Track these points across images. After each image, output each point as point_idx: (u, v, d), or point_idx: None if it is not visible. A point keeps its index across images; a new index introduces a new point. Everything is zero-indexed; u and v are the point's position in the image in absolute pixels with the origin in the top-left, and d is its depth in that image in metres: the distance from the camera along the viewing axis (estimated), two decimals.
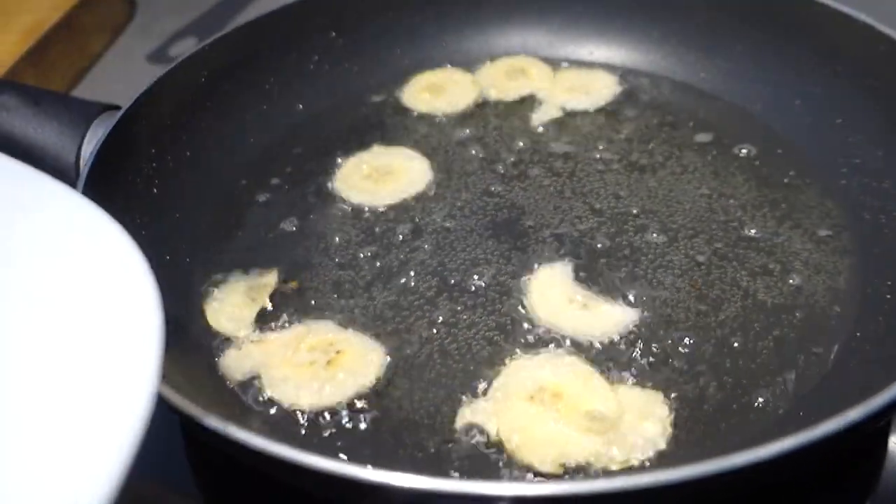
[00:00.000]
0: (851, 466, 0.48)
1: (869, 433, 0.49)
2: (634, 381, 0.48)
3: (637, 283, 0.54)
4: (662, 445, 0.44)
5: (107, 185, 0.56)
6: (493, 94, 0.72)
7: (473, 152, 0.66)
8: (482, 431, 0.45)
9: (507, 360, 0.49)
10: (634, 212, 0.59)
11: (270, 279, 0.56)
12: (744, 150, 0.64)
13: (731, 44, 0.70)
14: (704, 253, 0.56)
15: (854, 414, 0.34)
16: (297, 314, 0.53)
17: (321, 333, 0.51)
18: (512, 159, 0.65)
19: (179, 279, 0.56)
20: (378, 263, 0.57)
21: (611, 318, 0.51)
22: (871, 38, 0.61)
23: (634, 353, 0.49)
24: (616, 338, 0.50)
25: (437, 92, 0.72)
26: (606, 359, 0.49)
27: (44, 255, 0.36)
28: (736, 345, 0.50)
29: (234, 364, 0.50)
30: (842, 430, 0.33)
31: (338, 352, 0.49)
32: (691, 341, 0.50)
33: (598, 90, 0.71)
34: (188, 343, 0.51)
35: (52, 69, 0.87)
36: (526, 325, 0.51)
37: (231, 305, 0.54)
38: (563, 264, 0.55)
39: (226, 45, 0.68)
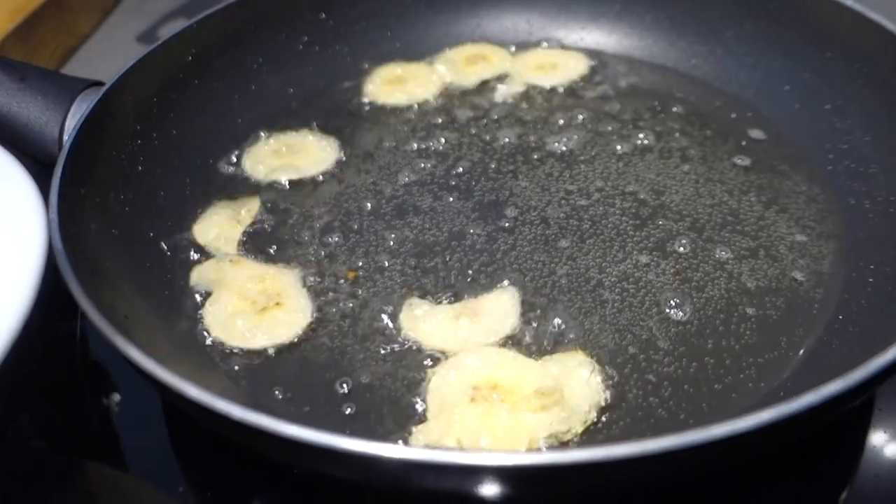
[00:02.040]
0: (829, 456, 0.48)
1: (848, 417, 0.49)
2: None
3: (619, 265, 0.54)
4: (603, 402, 0.45)
5: (90, 160, 0.55)
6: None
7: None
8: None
9: (426, 374, 0.48)
10: (621, 194, 0.59)
11: (254, 205, 0.60)
12: (732, 134, 0.64)
13: (721, 30, 0.70)
14: (689, 236, 0.56)
15: (833, 387, 0.34)
16: (277, 253, 0.56)
17: (274, 281, 0.53)
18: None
19: (161, 255, 0.56)
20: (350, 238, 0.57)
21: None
22: (861, 25, 0.61)
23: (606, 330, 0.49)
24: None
25: (399, 83, 0.71)
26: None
27: None
28: (720, 326, 0.50)
29: (200, 274, 0.54)
30: (821, 403, 0.33)
31: (277, 304, 0.51)
32: (676, 322, 0.50)
33: (579, 73, 0.72)
34: (165, 307, 0.51)
35: (40, 47, 0.86)
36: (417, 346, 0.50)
37: (217, 225, 0.58)
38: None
39: (214, 23, 0.67)
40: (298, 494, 0.48)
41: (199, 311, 0.52)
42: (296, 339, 0.50)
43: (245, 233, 0.58)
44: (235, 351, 0.50)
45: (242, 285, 0.52)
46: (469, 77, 0.72)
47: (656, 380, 0.47)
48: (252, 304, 0.51)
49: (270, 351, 0.50)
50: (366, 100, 0.70)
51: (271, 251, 0.57)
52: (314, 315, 0.52)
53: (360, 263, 0.55)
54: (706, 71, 0.71)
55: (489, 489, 0.36)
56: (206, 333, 0.50)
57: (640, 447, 0.32)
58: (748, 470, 0.46)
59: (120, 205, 0.57)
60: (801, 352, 0.48)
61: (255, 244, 0.57)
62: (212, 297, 0.52)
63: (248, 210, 0.60)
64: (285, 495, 0.48)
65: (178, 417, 0.52)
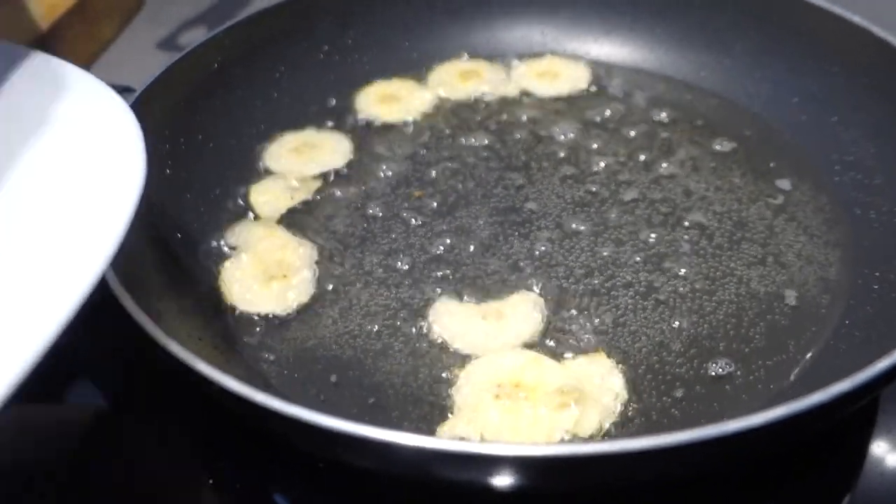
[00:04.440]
0: (832, 461, 0.50)
1: (851, 422, 0.51)
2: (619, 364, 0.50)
3: (632, 271, 0.56)
4: (623, 399, 0.47)
5: None
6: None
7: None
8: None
9: (455, 370, 0.50)
10: (633, 202, 0.61)
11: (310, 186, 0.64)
12: (741, 145, 0.66)
13: (730, 42, 0.72)
14: (700, 243, 0.57)
15: (840, 387, 0.35)
16: (309, 231, 0.60)
17: (291, 253, 0.57)
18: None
19: (190, 255, 0.58)
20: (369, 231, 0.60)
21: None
22: (866, 40, 0.63)
23: (623, 334, 0.51)
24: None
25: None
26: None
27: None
28: (730, 330, 0.51)
29: (234, 231, 0.59)
30: (829, 401, 0.35)
31: (284, 276, 0.56)
32: (687, 326, 0.52)
33: (586, 83, 0.74)
34: (191, 305, 0.54)
35: (64, 54, 0.88)
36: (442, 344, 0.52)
37: (271, 191, 0.64)
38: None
39: (238, 33, 0.69)
40: (321, 486, 0.50)
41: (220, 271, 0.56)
42: (290, 315, 0.54)
43: (291, 209, 0.62)
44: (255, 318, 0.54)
45: (263, 251, 0.57)
46: (468, 89, 0.73)
47: (669, 380, 0.49)
48: (264, 270, 0.56)
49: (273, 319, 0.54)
50: (365, 113, 0.72)
51: (302, 227, 0.61)
52: (329, 302, 0.55)
53: (385, 260, 0.58)
54: (714, 82, 0.73)
55: (507, 480, 0.37)
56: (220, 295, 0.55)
57: (655, 441, 0.34)
58: (752, 474, 0.48)
59: (149, 207, 0.58)
60: (809, 355, 0.50)
61: (294, 220, 0.61)
62: (234, 255, 0.57)
63: (303, 190, 0.64)
64: (307, 486, 0.50)
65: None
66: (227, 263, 0.57)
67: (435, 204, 0.62)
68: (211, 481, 0.50)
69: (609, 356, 0.50)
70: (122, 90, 0.64)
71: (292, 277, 0.56)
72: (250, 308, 0.54)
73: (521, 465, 0.36)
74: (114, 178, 0.41)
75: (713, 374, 0.49)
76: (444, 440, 0.36)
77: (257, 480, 0.50)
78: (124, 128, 0.45)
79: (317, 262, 0.58)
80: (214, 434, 0.53)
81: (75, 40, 0.89)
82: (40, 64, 0.53)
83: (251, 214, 0.62)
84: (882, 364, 0.37)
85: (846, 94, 0.65)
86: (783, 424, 0.34)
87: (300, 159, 0.66)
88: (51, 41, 0.85)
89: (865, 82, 0.63)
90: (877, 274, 0.53)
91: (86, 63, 0.90)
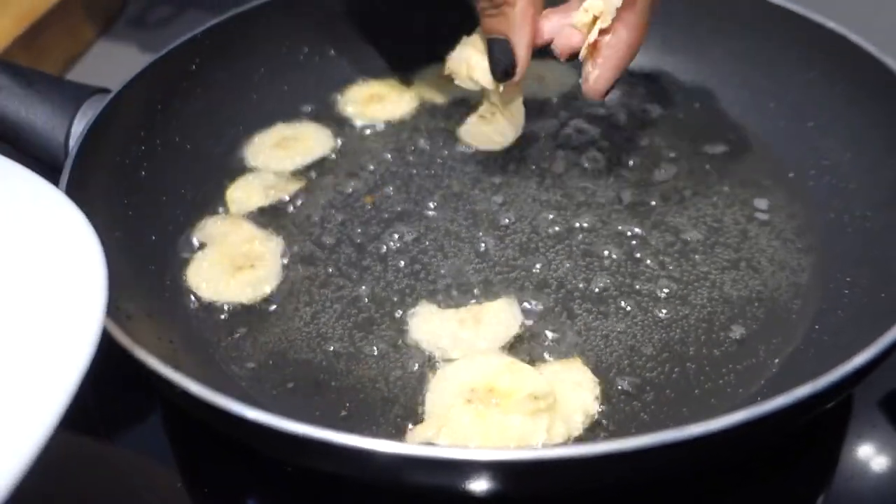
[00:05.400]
0: (804, 465, 0.50)
1: (826, 421, 0.51)
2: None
3: (606, 275, 0.56)
4: (594, 411, 0.47)
5: (95, 164, 0.57)
6: None
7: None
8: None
9: (429, 374, 0.50)
10: (608, 204, 0.61)
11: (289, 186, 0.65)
12: (719, 149, 0.66)
13: (710, 47, 0.72)
14: (674, 247, 0.58)
15: (805, 390, 0.36)
16: (282, 231, 0.61)
17: (259, 244, 0.59)
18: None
19: (162, 258, 0.58)
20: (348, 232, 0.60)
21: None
22: (843, 47, 0.63)
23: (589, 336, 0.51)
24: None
25: None
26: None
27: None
28: (702, 335, 0.52)
29: (202, 227, 0.60)
30: (790, 405, 0.35)
31: (251, 266, 0.57)
32: (659, 330, 0.52)
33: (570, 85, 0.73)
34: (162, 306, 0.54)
35: (45, 54, 0.88)
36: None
37: (248, 188, 0.64)
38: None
39: (217, 33, 0.69)
40: (292, 492, 0.50)
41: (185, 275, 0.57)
42: (255, 304, 0.55)
43: (265, 207, 0.63)
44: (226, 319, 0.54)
45: (231, 242, 0.58)
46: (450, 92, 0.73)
47: (640, 384, 0.49)
48: (230, 260, 0.57)
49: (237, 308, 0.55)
50: (345, 114, 0.72)
51: (275, 226, 0.61)
52: (300, 298, 0.56)
53: (360, 262, 0.58)
54: (693, 87, 0.73)
55: (474, 484, 0.37)
56: (189, 289, 0.56)
57: (618, 445, 0.34)
58: (727, 472, 0.48)
59: (123, 208, 0.58)
60: (778, 360, 0.50)
61: (267, 219, 0.62)
62: (203, 250, 0.59)
63: (279, 188, 0.64)
64: (279, 494, 0.50)
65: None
66: (195, 257, 0.58)
67: (413, 208, 0.62)
68: (180, 485, 0.50)
69: (583, 361, 0.50)
70: (98, 91, 0.64)
71: (260, 268, 0.57)
72: (218, 298, 0.55)
73: (486, 469, 0.36)
74: (74, 305, 0.39)
75: (683, 378, 0.49)
76: (406, 445, 0.36)
77: (229, 485, 0.50)
78: (84, 248, 0.42)
79: (287, 262, 0.58)
80: (186, 439, 0.53)
81: (54, 42, 0.89)
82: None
83: (222, 211, 0.63)
84: (844, 369, 0.37)
85: (823, 100, 0.65)
86: (745, 428, 0.34)
87: (279, 154, 0.67)
88: (29, 43, 0.84)
89: (842, 89, 0.64)
90: (848, 279, 0.53)
91: (66, 64, 0.90)
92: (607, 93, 0.56)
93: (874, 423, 0.51)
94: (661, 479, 0.45)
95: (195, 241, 0.59)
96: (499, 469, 0.36)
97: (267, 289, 0.56)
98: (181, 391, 0.38)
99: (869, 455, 0.50)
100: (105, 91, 0.63)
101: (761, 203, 0.61)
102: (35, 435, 0.33)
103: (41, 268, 0.42)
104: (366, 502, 0.47)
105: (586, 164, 0.65)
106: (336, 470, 0.41)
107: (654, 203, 0.61)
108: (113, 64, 0.90)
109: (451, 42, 0.62)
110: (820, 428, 0.51)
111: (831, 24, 0.64)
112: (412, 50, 0.75)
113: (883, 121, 0.59)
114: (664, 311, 0.53)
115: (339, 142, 0.69)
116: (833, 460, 0.50)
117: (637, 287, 0.55)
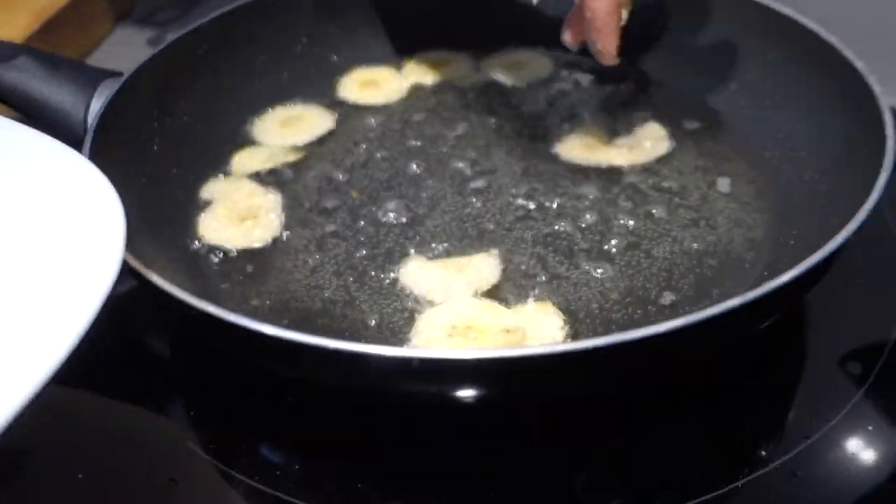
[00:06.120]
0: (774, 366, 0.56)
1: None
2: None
3: (577, 228, 0.62)
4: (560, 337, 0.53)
5: (111, 139, 0.63)
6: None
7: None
8: None
9: (416, 316, 0.56)
10: (582, 170, 0.68)
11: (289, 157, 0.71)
12: (686, 126, 0.72)
13: (677, 33, 0.78)
14: (641, 206, 0.64)
15: (732, 303, 0.42)
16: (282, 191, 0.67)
17: (259, 199, 0.66)
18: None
19: (173, 215, 0.64)
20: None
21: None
22: (798, 32, 0.69)
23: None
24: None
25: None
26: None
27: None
28: (662, 282, 0.57)
29: (209, 188, 0.67)
30: (720, 314, 0.41)
31: (254, 217, 0.64)
32: (624, 278, 0.58)
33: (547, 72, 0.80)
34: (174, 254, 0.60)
35: (60, 48, 0.94)
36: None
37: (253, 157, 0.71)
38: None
39: (221, 23, 0.75)
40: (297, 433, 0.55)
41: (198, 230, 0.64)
42: (257, 253, 0.61)
43: (267, 170, 0.69)
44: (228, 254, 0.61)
45: (236, 199, 0.65)
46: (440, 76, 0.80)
47: (606, 324, 0.55)
48: (234, 213, 0.64)
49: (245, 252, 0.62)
50: (344, 96, 0.78)
51: (276, 186, 0.68)
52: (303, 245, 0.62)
53: (355, 222, 0.64)
54: (660, 70, 0.78)
55: (463, 386, 0.43)
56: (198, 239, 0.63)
57: (576, 345, 0.40)
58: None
59: (138, 176, 0.64)
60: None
61: (268, 179, 0.69)
62: (210, 205, 0.65)
63: (280, 155, 0.71)
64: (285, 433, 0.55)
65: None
66: (203, 212, 0.65)
67: (404, 177, 0.68)
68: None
69: (553, 304, 0.56)
70: (113, 74, 0.70)
71: (262, 219, 0.64)
72: (224, 244, 0.62)
73: (471, 368, 0.42)
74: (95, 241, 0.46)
75: (645, 320, 0.55)
76: (406, 349, 0.42)
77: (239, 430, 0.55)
78: (101, 194, 0.49)
79: (286, 220, 0.64)
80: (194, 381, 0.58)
81: (67, 38, 0.95)
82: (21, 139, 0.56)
83: (228, 173, 0.70)
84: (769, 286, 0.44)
85: (778, 80, 0.71)
86: (683, 332, 0.40)
87: (282, 131, 0.73)
88: (44, 37, 0.90)
89: (794, 69, 0.69)
90: (794, 233, 0.59)
91: (80, 56, 0.96)
92: (619, 53, 0.62)
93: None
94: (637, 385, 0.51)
95: (203, 199, 0.66)
96: (482, 367, 0.41)
97: (269, 237, 0.63)
98: (200, 313, 0.44)
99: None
100: (119, 75, 0.69)
101: (721, 171, 0.67)
102: (74, 329, 0.39)
103: (69, 218, 0.48)
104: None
105: (565, 137, 0.71)
106: (338, 380, 0.47)
107: (619, 168, 0.67)
108: (123, 57, 0.96)
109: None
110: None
111: (785, 10, 0.70)
112: (404, 38, 0.81)
113: (828, 94, 0.64)
114: (630, 262, 0.59)
115: (337, 122, 0.75)
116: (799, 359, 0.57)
117: (605, 242, 0.60)
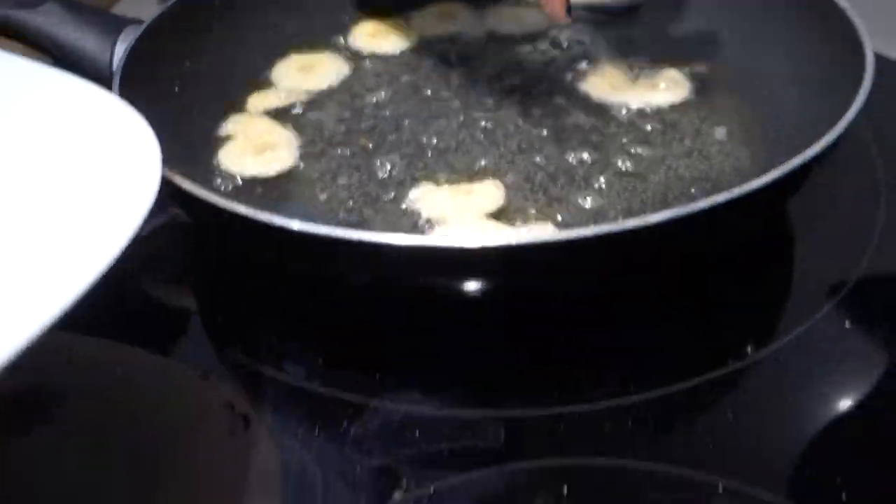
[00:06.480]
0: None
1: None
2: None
3: (581, 161, 0.66)
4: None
5: (135, 82, 0.66)
6: None
7: None
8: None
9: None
10: (582, 107, 0.72)
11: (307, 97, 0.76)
12: (678, 70, 0.76)
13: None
14: (638, 139, 0.68)
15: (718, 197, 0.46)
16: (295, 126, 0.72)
17: (276, 135, 0.70)
18: None
19: (194, 150, 0.68)
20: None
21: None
22: None
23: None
24: None
25: None
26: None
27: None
28: (657, 204, 0.62)
29: (228, 125, 0.71)
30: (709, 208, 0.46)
31: (271, 149, 0.68)
32: (621, 200, 0.62)
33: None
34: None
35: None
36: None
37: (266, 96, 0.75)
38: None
39: None
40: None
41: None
42: (273, 182, 0.66)
43: (280, 108, 0.74)
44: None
45: (253, 134, 0.69)
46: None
47: None
48: (252, 145, 0.68)
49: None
50: (359, 44, 0.82)
51: (290, 124, 0.72)
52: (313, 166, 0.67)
53: (367, 158, 0.68)
54: (657, 20, 0.82)
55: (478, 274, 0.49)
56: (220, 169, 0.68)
57: (571, 234, 0.45)
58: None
59: (161, 115, 0.67)
60: None
61: (282, 116, 0.73)
62: (228, 141, 0.69)
63: (295, 95, 0.75)
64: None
65: None
66: (222, 146, 0.69)
67: (415, 117, 0.72)
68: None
69: (554, 224, 0.60)
70: (133, 22, 0.73)
71: (278, 150, 0.68)
72: (242, 172, 0.67)
73: (486, 255, 0.46)
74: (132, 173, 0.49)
75: None
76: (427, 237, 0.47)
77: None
78: (139, 133, 0.53)
79: (301, 153, 0.68)
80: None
81: None
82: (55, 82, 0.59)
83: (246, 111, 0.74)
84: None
85: (766, 28, 0.75)
86: (672, 224, 0.45)
87: (298, 76, 0.77)
88: None
89: (780, 14, 0.74)
90: (777, 162, 0.63)
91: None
92: (569, 11, 0.65)
93: None
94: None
95: (221, 135, 0.70)
96: (495, 254, 0.46)
97: (285, 166, 0.67)
98: (229, 214, 0.48)
99: None
100: (137, 22, 0.73)
101: (714, 109, 0.71)
102: (121, 237, 0.43)
103: (105, 148, 0.53)
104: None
105: (554, 74, 0.76)
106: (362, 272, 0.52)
107: (617, 105, 0.72)
108: (145, 5, 0.99)
109: None
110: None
111: None
112: None
113: (805, 37, 0.70)
114: (627, 186, 0.63)
115: (350, 69, 0.79)
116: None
117: (603, 170, 0.65)
